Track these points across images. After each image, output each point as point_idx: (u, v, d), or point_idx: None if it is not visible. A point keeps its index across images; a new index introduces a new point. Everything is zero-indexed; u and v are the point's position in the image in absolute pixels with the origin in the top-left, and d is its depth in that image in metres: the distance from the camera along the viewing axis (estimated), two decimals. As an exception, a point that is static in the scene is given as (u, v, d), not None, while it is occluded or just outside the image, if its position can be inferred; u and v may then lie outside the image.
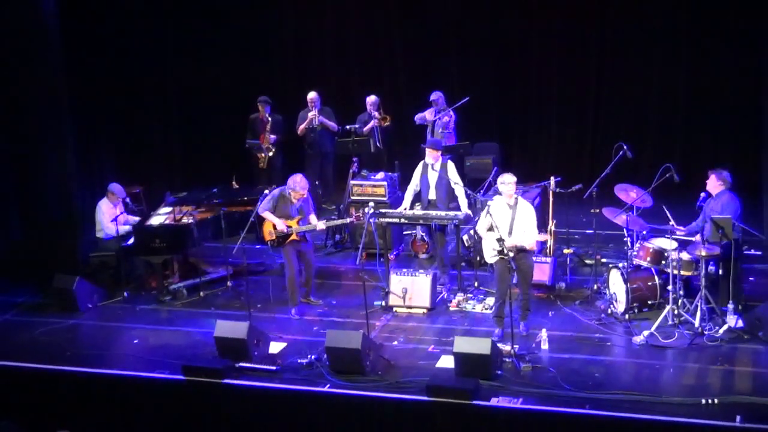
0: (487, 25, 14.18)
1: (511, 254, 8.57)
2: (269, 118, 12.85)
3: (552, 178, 10.41)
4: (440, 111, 12.58)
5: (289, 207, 9.73)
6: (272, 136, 12.83)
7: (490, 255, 8.86)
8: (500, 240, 8.53)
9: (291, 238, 9.69)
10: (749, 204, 9.90)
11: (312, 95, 12.88)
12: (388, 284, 9.81)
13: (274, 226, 9.71)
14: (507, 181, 8.84)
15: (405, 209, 10.36)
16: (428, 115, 12.73)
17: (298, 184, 9.66)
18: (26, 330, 9.81)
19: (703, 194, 9.13)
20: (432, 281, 9.73)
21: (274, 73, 15.05)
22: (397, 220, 10.42)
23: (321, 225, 9.83)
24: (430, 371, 8.23)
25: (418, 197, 10.54)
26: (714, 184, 9.04)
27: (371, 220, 10.17)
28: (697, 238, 8.83)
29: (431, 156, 10.30)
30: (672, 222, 9.13)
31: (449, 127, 12.61)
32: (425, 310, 9.68)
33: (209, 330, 8.99)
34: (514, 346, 8.34)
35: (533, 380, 7.96)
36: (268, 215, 9.74)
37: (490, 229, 8.75)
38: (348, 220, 10.28)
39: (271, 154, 12.82)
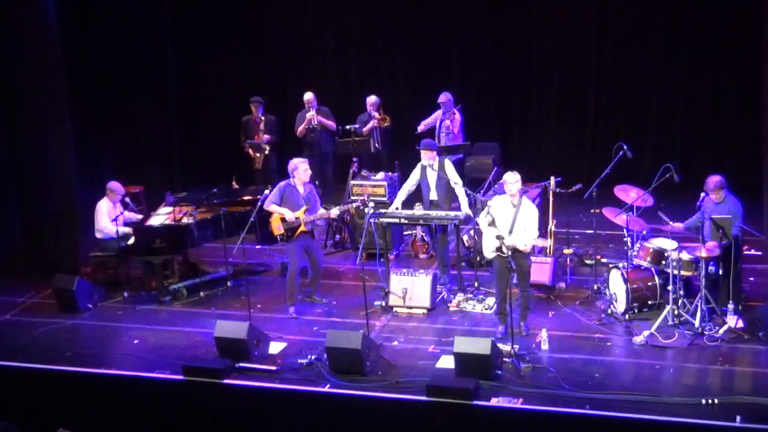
0: (487, 26, 14.23)
1: (509, 252, 8.58)
2: (262, 118, 12.86)
3: (552, 178, 10.42)
4: (447, 112, 12.55)
5: (297, 197, 9.61)
6: (266, 136, 12.83)
7: (489, 250, 8.87)
8: (500, 237, 8.55)
9: (300, 230, 9.59)
10: (749, 204, 9.89)
11: (308, 96, 12.87)
12: (388, 284, 9.81)
13: (283, 219, 9.62)
14: (509, 181, 8.82)
15: (397, 208, 10.33)
16: (430, 119, 12.67)
17: (298, 164, 9.60)
18: (26, 330, 9.79)
19: (703, 194, 9.12)
20: (432, 281, 9.72)
21: (273, 73, 15.07)
22: (397, 220, 10.41)
23: (334, 211, 9.81)
24: (430, 371, 8.22)
25: (415, 197, 10.54)
26: (716, 196, 8.92)
27: (371, 220, 10.16)
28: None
29: (427, 157, 10.26)
30: (670, 223, 9.08)
31: (453, 129, 12.58)
32: (425, 310, 9.67)
33: (209, 330, 8.99)
34: (514, 346, 8.34)
35: (533, 380, 7.95)
36: (274, 208, 9.61)
37: (492, 224, 8.76)
38: (354, 204, 10.18)
39: (266, 152, 12.81)
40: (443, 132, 12.53)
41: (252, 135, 12.92)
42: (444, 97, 12.57)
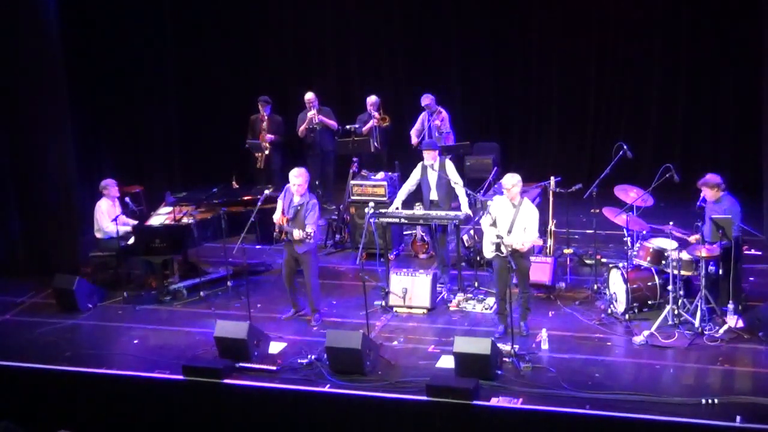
0: (487, 26, 14.23)
1: (508, 252, 8.57)
2: (266, 117, 12.87)
3: (552, 178, 10.42)
4: (432, 113, 12.52)
5: (288, 203, 9.49)
6: (269, 136, 12.83)
7: (488, 250, 8.86)
8: (499, 237, 8.55)
9: (283, 235, 9.47)
10: (749, 204, 9.89)
11: (309, 96, 12.88)
12: (388, 284, 9.81)
13: None
14: (505, 186, 8.79)
15: (397, 208, 10.32)
16: (418, 125, 12.63)
17: (292, 174, 9.49)
18: (26, 330, 9.79)
19: (703, 194, 9.12)
20: (432, 281, 9.72)
21: (274, 73, 15.07)
22: (397, 220, 10.41)
23: (295, 234, 9.21)
24: (430, 371, 8.23)
25: (415, 197, 10.54)
26: (711, 194, 8.94)
27: (371, 220, 10.16)
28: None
29: (429, 156, 10.26)
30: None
31: (445, 128, 12.56)
32: (425, 310, 9.67)
33: (209, 330, 8.99)
34: (514, 346, 8.34)
35: (533, 380, 7.95)
36: (279, 203, 9.54)
37: (493, 224, 8.76)
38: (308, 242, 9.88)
39: (267, 152, 12.81)
40: (435, 133, 12.48)
41: (256, 134, 12.94)
42: (427, 99, 12.48)
